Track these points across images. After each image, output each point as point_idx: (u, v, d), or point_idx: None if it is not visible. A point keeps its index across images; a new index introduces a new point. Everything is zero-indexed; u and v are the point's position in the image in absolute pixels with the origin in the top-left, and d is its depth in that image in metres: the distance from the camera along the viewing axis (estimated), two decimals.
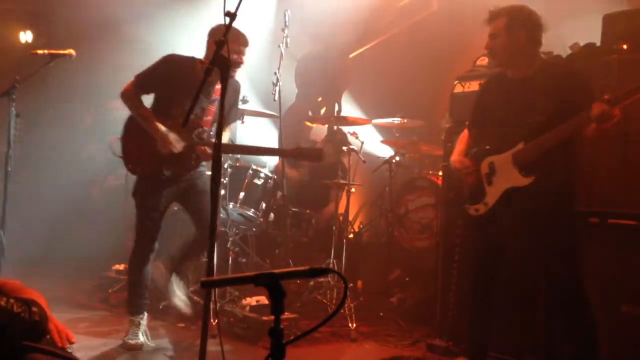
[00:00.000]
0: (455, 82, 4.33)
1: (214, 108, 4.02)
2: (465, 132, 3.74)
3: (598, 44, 3.68)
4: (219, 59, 2.42)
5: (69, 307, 4.94)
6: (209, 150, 3.83)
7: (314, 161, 3.85)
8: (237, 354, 3.99)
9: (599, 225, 3.46)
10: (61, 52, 3.86)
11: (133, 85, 3.95)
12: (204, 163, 4.13)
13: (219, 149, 2.44)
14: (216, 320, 4.08)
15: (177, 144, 3.85)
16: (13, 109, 3.71)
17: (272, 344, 1.37)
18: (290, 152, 3.82)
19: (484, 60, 4.29)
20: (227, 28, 2.49)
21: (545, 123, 3.17)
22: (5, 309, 1.86)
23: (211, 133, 4.03)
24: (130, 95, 3.95)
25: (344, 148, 5.47)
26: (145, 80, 3.95)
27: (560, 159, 3.22)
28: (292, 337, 1.41)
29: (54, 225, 6.30)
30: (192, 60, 3.94)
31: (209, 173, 5.02)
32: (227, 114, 4.02)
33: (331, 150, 5.90)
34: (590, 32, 3.85)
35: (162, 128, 3.86)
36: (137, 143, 3.98)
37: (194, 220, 4.17)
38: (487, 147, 3.47)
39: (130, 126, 4.03)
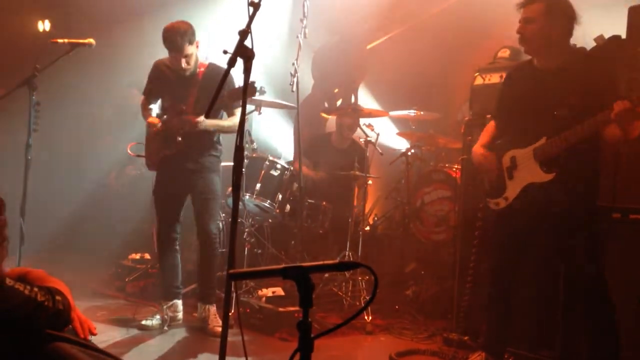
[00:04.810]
0: (476, 74, 4.29)
1: (194, 93, 4.32)
2: (492, 124, 3.66)
3: (623, 36, 3.61)
4: (242, 50, 2.40)
5: (86, 295, 4.96)
6: (186, 118, 4.19)
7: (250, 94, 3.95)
8: (254, 345, 4.01)
9: (621, 220, 3.41)
10: (81, 41, 3.87)
11: (143, 95, 4.55)
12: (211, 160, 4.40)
13: (242, 138, 2.43)
14: (232, 311, 4.09)
15: (154, 121, 4.34)
16: (33, 97, 3.71)
17: (301, 338, 1.36)
18: (228, 95, 4.06)
19: (505, 52, 4.24)
20: (251, 18, 2.47)
21: (570, 117, 3.08)
22: (29, 297, 1.86)
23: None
24: (142, 103, 4.54)
25: (361, 139, 5.43)
26: (146, 89, 4.52)
27: (584, 155, 3.12)
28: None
29: (72, 214, 6.34)
30: (168, 59, 4.31)
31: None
32: (222, 99, 4.15)
33: (339, 137, 5.88)
34: (614, 25, 3.77)
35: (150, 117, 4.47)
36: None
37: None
38: (510, 140, 3.42)
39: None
